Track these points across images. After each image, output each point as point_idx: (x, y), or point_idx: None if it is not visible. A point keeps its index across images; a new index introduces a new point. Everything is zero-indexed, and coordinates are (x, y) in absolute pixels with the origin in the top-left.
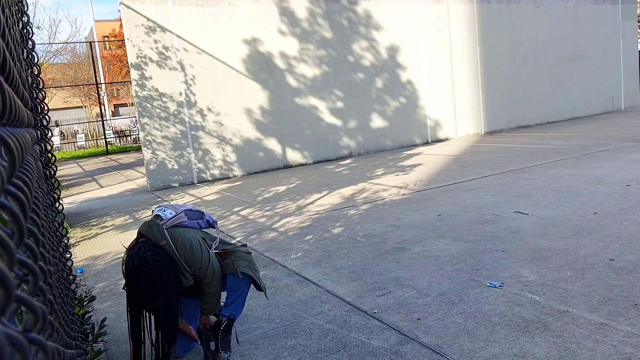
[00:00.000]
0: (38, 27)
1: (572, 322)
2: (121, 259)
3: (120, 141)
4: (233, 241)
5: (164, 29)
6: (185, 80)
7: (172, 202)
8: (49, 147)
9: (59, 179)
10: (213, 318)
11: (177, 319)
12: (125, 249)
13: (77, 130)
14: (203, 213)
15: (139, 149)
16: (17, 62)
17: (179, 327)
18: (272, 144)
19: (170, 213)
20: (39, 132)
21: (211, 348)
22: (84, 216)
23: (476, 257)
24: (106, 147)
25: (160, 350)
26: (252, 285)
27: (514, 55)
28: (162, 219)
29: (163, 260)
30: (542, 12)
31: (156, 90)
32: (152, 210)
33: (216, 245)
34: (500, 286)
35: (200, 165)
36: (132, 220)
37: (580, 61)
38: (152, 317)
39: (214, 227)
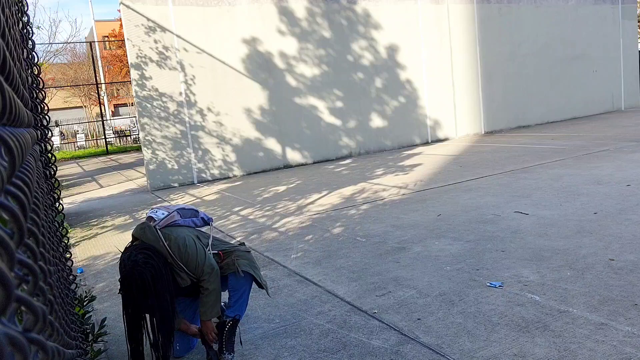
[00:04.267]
0: (38, 27)
1: (572, 322)
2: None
3: (120, 141)
4: (233, 241)
5: (164, 29)
6: (185, 80)
7: (172, 203)
8: (49, 147)
9: (59, 179)
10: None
11: (172, 320)
12: (121, 252)
13: (77, 130)
14: (197, 211)
15: (139, 149)
16: (17, 62)
17: (181, 327)
18: (272, 144)
19: (163, 213)
20: (39, 132)
21: (214, 349)
22: (84, 216)
23: (476, 257)
24: (106, 147)
25: (160, 351)
26: (253, 284)
27: (514, 55)
28: (155, 220)
29: (155, 263)
30: (542, 12)
31: (156, 90)
32: (147, 213)
33: (211, 242)
34: (500, 286)
35: (200, 165)
36: (132, 220)
37: (580, 61)
38: (148, 319)
39: (209, 225)
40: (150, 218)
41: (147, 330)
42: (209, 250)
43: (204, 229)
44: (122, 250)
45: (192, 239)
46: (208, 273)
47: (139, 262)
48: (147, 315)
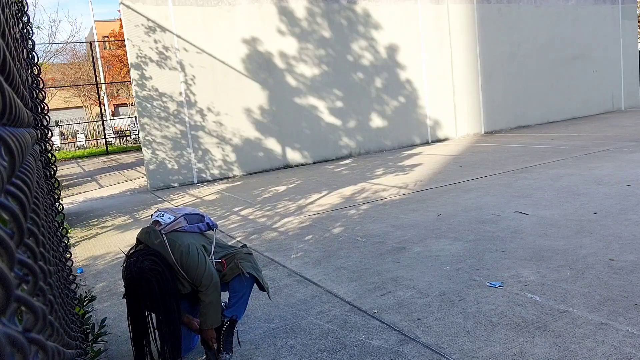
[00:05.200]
0: (38, 27)
1: (572, 322)
2: (121, 260)
3: (120, 141)
4: (232, 242)
5: (164, 29)
6: (185, 80)
7: (172, 203)
8: (49, 147)
9: (59, 179)
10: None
11: (178, 326)
12: (124, 255)
13: (77, 130)
14: (203, 216)
15: (139, 149)
16: (17, 62)
17: (184, 320)
18: (272, 144)
19: (169, 218)
20: (39, 132)
21: (213, 349)
22: (84, 216)
23: (476, 257)
24: (106, 147)
25: (167, 357)
26: (254, 287)
27: (514, 55)
28: (161, 224)
29: (161, 269)
30: (542, 12)
31: (156, 90)
32: (152, 215)
33: (213, 249)
34: (500, 286)
35: (200, 165)
36: (132, 220)
37: (580, 61)
38: (153, 323)
39: (213, 230)
40: (156, 222)
41: (152, 335)
42: (211, 259)
43: (208, 234)
44: (124, 252)
45: (196, 247)
46: (206, 285)
47: (145, 269)
48: (153, 320)
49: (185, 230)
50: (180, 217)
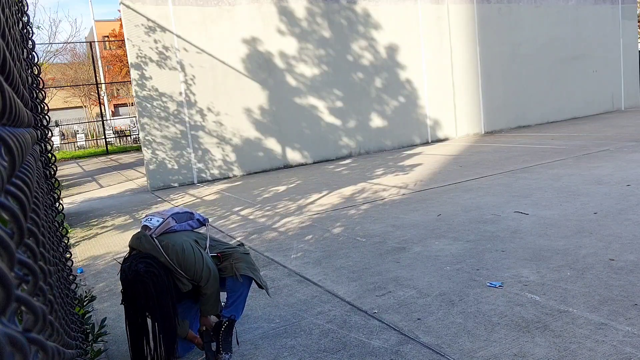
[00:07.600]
0: (38, 27)
1: (572, 322)
2: (121, 260)
3: (120, 141)
4: (232, 241)
5: (164, 29)
6: (185, 80)
7: (172, 203)
8: (49, 147)
9: (59, 179)
10: (214, 318)
11: (175, 326)
12: (115, 260)
13: (77, 130)
14: (192, 213)
15: (139, 149)
16: (17, 62)
17: (187, 337)
18: (272, 144)
19: (157, 220)
20: (39, 132)
21: (212, 349)
22: (84, 216)
23: (476, 257)
24: (106, 147)
25: (160, 355)
26: (253, 284)
27: (514, 55)
28: (150, 229)
29: (157, 271)
30: (542, 12)
31: (156, 90)
32: (141, 221)
33: (208, 244)
34: (500, 286)
35: (200, 165)
36: (132, 220)
37: (580, 61)
38: (151, 327)
39: (205, 225)
40: (145, 227)
41: (150, 339)
42: (207, 253)
43: (200, 230)
44: (118, 261)
45: (190, 244)
46: (206, 278)
47: (140, 272)
48: (150, 324)
49: (176, 230)
50: (169, 217)
